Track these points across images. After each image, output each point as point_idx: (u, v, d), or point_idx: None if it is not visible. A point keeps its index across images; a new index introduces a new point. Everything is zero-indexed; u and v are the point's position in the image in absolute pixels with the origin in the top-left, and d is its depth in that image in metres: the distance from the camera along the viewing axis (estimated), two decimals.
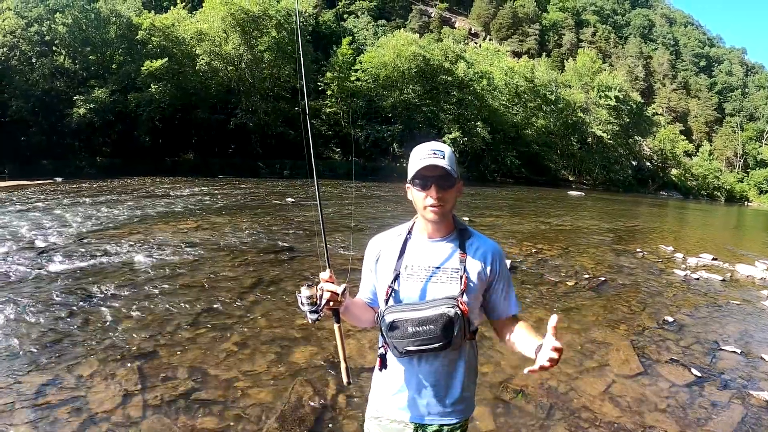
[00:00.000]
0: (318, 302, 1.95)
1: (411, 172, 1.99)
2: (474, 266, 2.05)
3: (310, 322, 2.01)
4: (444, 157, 1.97)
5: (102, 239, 10.49)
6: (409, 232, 2.16)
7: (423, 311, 1.91)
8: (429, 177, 1.97)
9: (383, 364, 2.08)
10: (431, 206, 1.98)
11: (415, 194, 2.04)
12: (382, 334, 2.01)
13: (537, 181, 56.00)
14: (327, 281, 1.99)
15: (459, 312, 1.90)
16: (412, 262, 2.08)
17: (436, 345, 1.89)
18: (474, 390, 2.22)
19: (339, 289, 1.96)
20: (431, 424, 2.10)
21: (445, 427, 2.10)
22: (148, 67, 35.75)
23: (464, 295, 1.98)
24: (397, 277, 2.06)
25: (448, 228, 2.12)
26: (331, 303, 1.97)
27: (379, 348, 2.10)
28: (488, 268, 2.07)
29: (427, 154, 1.97)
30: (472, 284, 2.02)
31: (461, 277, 2.01)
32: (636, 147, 78.35)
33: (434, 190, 1.96)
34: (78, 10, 35.91)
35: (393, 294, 2.06)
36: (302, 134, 2.39)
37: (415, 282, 2.05)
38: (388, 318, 1.94)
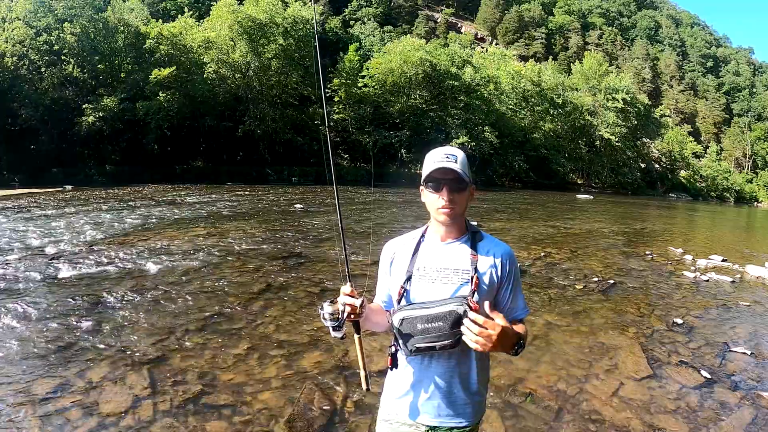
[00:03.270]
0: (340, 317, 1.99)
1: (424, 174, 2.06)
2: (485, 268, 2.08)
3: (336, 337, 2.05)
4: (457, 161, 2.03)
5: (112, 246, 10.55)
6: (423, 235, 2.21)
7: (433, 308, 1.92)
8: (441, 180, 2.03)
9: (394, 363, 2.09)
10: (442, 208, 2.04)
11: (427, 196, 2.10)
12: (393, 333, 2.03)
13: (545, 184, 55.81)
14: (348, 295, 2.03)
15: (469, 310, 1.89)
16: (425, 264, 2.11)
17: (446, 342, 1.89)
18: (485, 393, 2.23)
19: (357, 302, 2.00)
20: (441, 427, 2.10)
21: (456, 430, 2.11)
22: (156, 76, 36.00)
23: (475, 295, 1.99)
24: (409, 278, 2.10)
25: (460, 230, 2.16)
26: (352, 316, 2.02)
27: (390, 347, 2.11)
28: (498, 270, 2.09)
29: (440, 158, 2.04)
30: (483, 285, 2.05)
31: (472, 278, 2.03)
32: (644, 149, 78.11)
33: (446, 192, 2.02)
34: (86, 19, 36.21)
35: (405, 294, 2.09)
36: (322, 152, 2.44)
37: (427, 282, 2.08)
38: (399, 316, 1.97)
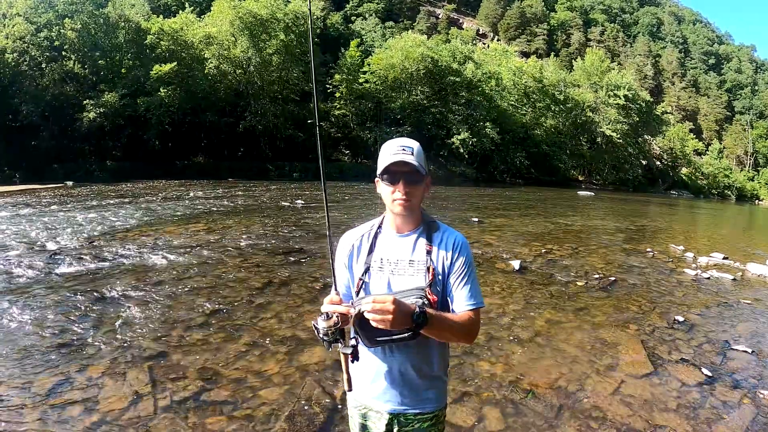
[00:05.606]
0: (336, 331, 1.94)
1: (380, 166, 2.06)
2: (440, 258, 2.10)
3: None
4: (413, 154, 2.04)
5: (112, 242, 10.56)
6: (380, 227, 2.23)
7: None
8: (397, 172, 2.04)
9: (355, 356, 2.08)
10: (398, 200, 2.06)
11: (383, 188, 2.11)
12: (353, 326, 2.01)
13: (546, 181, 55.69)
14: (334, 303, 2.02)
15: (427, 303, 1.93)
16: (382, 256, 2.14)
17: (404, 335, 1.90)
18: (446, 379, 2.27)
19: (352, 311, 1.96)
20: (406, 413, 2.15)
21: (420, 416, 2.16)
22: (157, 72, 35.86)
23: (432, 286, 2.03)
24: (367, 270, 2.14)
25: (415, 222, 2.18)
26: (341, 323, 2.00)
27: (350, 339, 2.10)
28: (448, 259, 2.11)
29: (396, 150, 2.04)
30: (438, 275, 2.08)
31: (428, 269, 2.06)
32: (646, 146, 77.87)
33: (402, 185, 2.04)
34: (87, 15, 36.09)
35: (363, 286, 2.14)
36: (317, 147, 2.44)
37: (385, 275, 2.11)
38: (358, 309, 1.93)
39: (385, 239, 2.18)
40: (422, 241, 2.13)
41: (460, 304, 2.09)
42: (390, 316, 1.78)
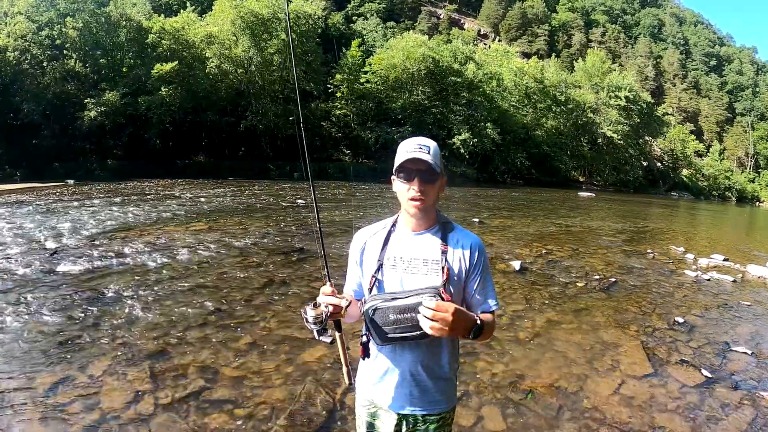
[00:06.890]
0: (324, 319, 1.98)
1: (396, 163, 2.06)
2: (455, 258, 2.11)
3: (324, 342, 2.04)
4: (429, 152, 2.03)
5: (113, 240, 10.55)
6: (394, 225, 2.23)
7: (405, 299, 1.93)
8: (413, 170, 2.04)
9: (366, 353, 2.12)
10: (413, 199, 2.06)
11: (398, 186, 2.11)
12: (365, 323, 2.05)
13: (547, 182, 55.59)
14: (329, 295, 2.04)
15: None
16: (395, 254, 2.14)
17: (417, 333, 1.90)
18: (456, 379, 2.27)
19: (343, 303, 2.02)
20: (413, 414, 2.15)
21: (428, 417, 2.16)
22: (158, 71, 35.83)
23: (446, 285, 2.02)
24: (380, 267, 2.13)
25: (430, 221, 2.18)
26: (334, 315, 2.03)
27: (362, 336, 2.13)
28: (467, 261, 2.12)
29: (413, 148, 2.04)
30: (453, 276, 2.08)
31: (443, 268, 2.06)
32: (646, 147, 77.79)
33: (417, 183, 2.04)
34: (88, 14, 36.13)
35: (377, 284, 2.13)
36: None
37: (398, 273, 2.10)
38: (371, 306, 1.98)
39: (399, 237, 2.18)
40: (437, 240, 2.13)
41: (483, 306, 2.14)
42: (447, 328, 1.80)
